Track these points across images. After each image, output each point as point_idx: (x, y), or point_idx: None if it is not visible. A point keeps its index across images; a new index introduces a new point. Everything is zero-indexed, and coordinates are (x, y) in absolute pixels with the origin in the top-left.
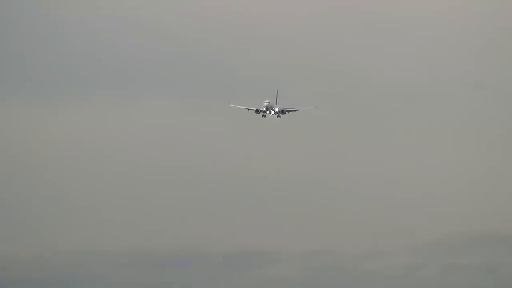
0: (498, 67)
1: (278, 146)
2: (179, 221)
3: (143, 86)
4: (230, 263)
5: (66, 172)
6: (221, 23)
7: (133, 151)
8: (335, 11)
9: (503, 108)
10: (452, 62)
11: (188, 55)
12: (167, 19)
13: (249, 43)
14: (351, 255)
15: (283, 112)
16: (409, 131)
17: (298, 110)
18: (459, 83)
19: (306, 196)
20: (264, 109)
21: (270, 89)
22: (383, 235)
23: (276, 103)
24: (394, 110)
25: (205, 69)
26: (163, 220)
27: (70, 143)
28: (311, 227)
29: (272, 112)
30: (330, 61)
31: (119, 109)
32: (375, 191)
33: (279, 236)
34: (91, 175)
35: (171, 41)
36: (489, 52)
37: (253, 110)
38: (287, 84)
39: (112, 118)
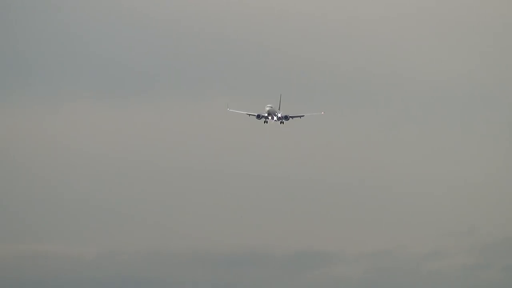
0: None
1: (312, 149)
2: (243, 223)
3: (142, 87)
4: (293, 263)
5: (126, 174)
6: (220, 21)
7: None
8: (339, 14)
9: None
10: (465, 65)
11: (186, 54)
12: (166, 18)
13: (250, 43)
14: (412, 256)
15: (286, 118)
16: (439, 131)
17: (303, 116)
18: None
19: (368, 198)
20: (266, 115)
21: (272, 93)
22: (444, 236)
23: (279, 108)
24: (411, 110)
25: (203, 70)
26: (227, 222)
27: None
28: (373, 228)
29: (275, 118)
30: (338, 64)
31: (119, 111)
32: (436, 193)
33: (342, 237)
34: (150, 179)
35: (168, 41)
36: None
37: (254, 115)
38: (291, 88)
39: (124, 123)
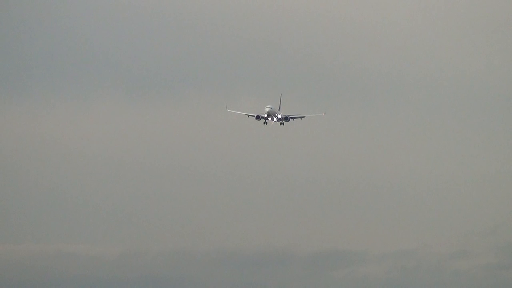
0: None
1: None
2: (270, 222)
3: (139, 88)
4: (317, 263)
5: (146, 176)
6: (219, 20)
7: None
8: (341, 13)
9: None
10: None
11: (184, 53)
12: (164, 17)
13: (249, 42)
14: (436, 255)
15: (286, 119)
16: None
17: (303, 117)
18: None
19: (394, 198)
20: (266, 116)
21: (272, 93)
22: (468, 235)
23: (279, 109)
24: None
25: (201, 69)
26: (254, 222)
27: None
28: (397, 228)
29: (275, 119)
30: (339, 64)
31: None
32: (460, 192)
33: (366, 237)
34: (170, 180)
35: (167, 40)
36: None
37: (254, 116)
38: (291, 88)
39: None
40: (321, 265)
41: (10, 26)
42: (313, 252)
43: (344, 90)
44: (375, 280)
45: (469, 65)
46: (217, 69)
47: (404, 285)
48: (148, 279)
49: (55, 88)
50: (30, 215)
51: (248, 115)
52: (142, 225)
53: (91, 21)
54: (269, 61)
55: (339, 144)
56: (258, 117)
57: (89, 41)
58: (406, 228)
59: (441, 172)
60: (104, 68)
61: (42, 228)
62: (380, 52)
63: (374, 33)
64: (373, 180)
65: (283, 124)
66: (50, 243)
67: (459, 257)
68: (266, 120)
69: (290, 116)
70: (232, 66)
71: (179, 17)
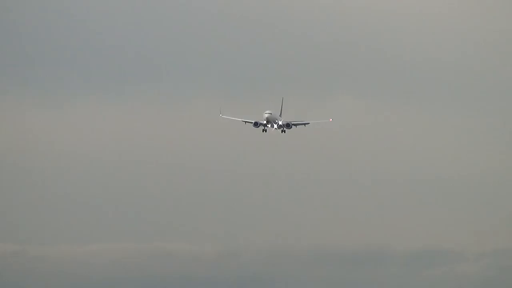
0: None
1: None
2: (366, 221)
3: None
4: (415, 262)
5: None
6: (216, 17)
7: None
8: (347, 6)
9: None
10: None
11: (174, 52)
12: (164, 17)
13: (246, 39)
14: None
15: (288, 125)
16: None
17: (307, 123)
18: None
19: (492, 195)
20: (265, 122)
21: (272, 97)
22: None
23: (280, 115)
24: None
25: (191, 69)
26: (349, 220)
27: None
28: (496, 226)
29: (275, 126)
30: (346, 64)
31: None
32: None
33: (464, 235)
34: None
35: (164, 40)
36: None
37: (251, 123)
38: (294, 91)
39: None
40: (417, 264)
41: (10, 24)
42: (409, 251)
43: (351, 93)
44: (472, 279)
45: (475, 64)
46: (208, 68)
47: (502, 285)
48: (245, 278)
49: (51, 87)
50: (130, 214)
51: (245, 122)
52: (238, 224)
53: (87, 20)
54: (269, 61)
55: (350, 151)
56: (256, 124)
57: (81, 38)
58: (503, 226)
59: None
60: (95, 70)
61: (137, 226)
62: (391, 51)
63: (384, 30)
64: (464, 178)
65: (284, 131)
66: (149, 242)
67: None
68: (265, 127)
69: (292, 123)
70: (226, 65)
71: (172, 16)
